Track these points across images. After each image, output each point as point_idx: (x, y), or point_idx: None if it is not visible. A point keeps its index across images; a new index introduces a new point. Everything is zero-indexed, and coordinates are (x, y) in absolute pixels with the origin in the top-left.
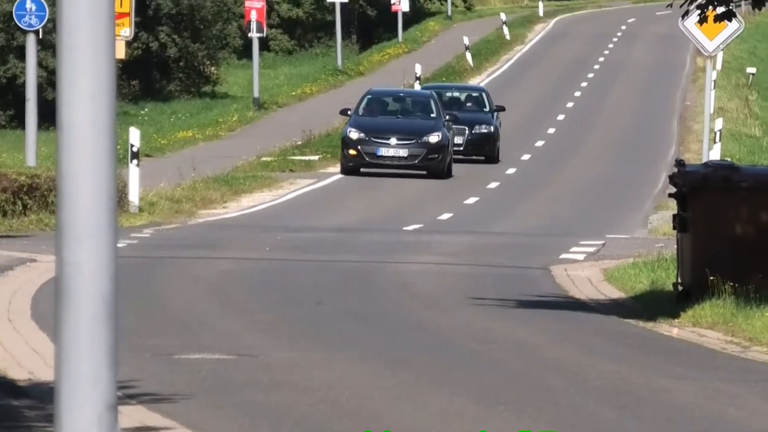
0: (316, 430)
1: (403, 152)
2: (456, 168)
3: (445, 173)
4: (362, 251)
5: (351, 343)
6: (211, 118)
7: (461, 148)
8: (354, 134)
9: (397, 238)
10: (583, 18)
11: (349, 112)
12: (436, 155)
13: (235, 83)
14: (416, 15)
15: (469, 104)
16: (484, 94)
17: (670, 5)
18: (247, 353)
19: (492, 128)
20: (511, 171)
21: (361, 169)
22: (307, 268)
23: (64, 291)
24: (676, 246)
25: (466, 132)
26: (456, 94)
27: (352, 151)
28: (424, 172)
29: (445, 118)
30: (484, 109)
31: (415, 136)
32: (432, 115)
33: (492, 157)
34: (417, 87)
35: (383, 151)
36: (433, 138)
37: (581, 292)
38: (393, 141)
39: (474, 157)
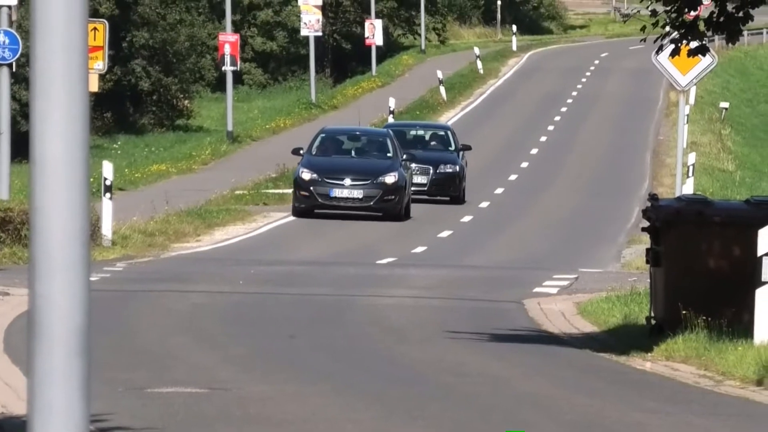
0: None
1: (357, 193)
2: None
3: (402, 215)
4: (335, 284)
5: (324, 376)
6: (185, 151)
7: (425, 188)
8: (306, 175)
9: (371, 271)
10: (557, 52)
11: (301, 152)
12: (393, 196)
13: (209, 117)
14: (390, 49)
15: (433, 143)
16: (449, 133)
17: (644, 40)
18: (220, 387)
19: (457, 168)
20: (484, 204)
21: (315, 211)
22: (280, 301)
23: (36, 324)
24: (649, 280)
25: (431, 171)
26: (420, 132)
27: (304, 193)
28: (380, 214)
29: (402, 157)
30: (450, 148)
31: (370, 177)
32: (388, 155)
33: (457, 198)
34: (390, 121)
35: (337, 192)
36: (389, 178)
37: (554, 325)
38: (347, 182)
39: (439, 198)
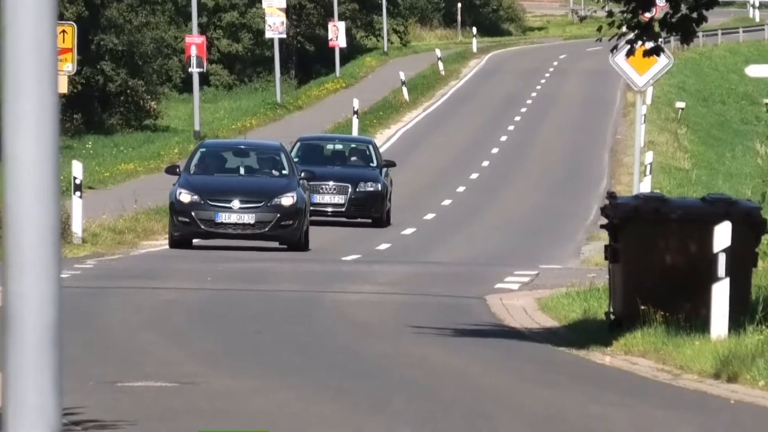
0: None
1: (249, 218)
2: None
3: (302, 243)
4: (302, 281)
5: (290, 371)
6: (153, 150)
7: (343, 209)
8: (185, 196)
9: (337, 267)
10: (516, 54)
11: (178, 170)
12: (291, 221)
13: (177, 117)
14: (353, 51)
15: (353, 158)
16: (371, 147)
17: (599, 40)
18: (189, 381)
19: (380, 186)
20: (446, 202)
21: (194, 241)
22: (247, 297)
23: (9, 320)
24: (607, 276)
25: (350, 190)
26: (339, 146)
27: (183, 218)
28: (275, 243)
29: (299, 175)
30: (371, 164)
31: (263, 198)
32: (284, 172)
33: (379, 220)
34: (355, 121)
35: (224, 217)
36: (287, 200)
37: (516, 320)
38: (236, 204)
39: (359, 220)
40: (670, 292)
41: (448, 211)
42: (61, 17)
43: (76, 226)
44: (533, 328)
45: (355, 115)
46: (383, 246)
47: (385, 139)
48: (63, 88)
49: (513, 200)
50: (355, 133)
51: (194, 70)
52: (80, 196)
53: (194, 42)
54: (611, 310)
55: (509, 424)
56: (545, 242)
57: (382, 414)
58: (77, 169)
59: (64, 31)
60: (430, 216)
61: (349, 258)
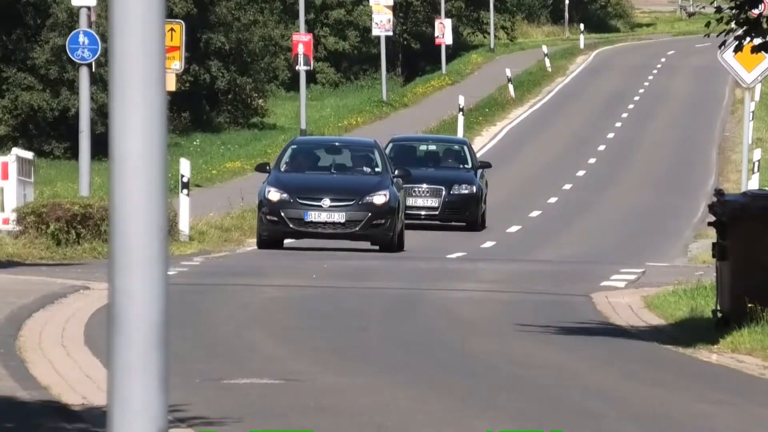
0: None
1: (339, 216)
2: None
3: (395, 245)
4: (406, 278)
5: (396, 368)
6: (260, 148)
7: (436, 213)
8: (274, 195)
9: (441, 265)
10: (624, 50)
11: (268, 168)
12: (383, 221)
13: (283, 115)
14: (459, 47)
15: (448, 160)
16: (465, 148)
17: (708, 35)
18: (294, 378)
19: (474, 188)
20: (552, 200)
21: (285, 241)
22: (352, 294)
23: (116, 318)
24: (715, 274)
25: (443, 193)
26: (432, 147)
27: (272, 217)
28: (367, 242)
29: (393, 173)
30: (466, 166)
31: (354, 196)
32: (377, 170)
33: (474, 223)
34: (460, 118)
35: (313, 216)
36: (379, 198)
37: (622, 318)
38: (326, 202)
39: (453, 223)
40: None
41: (553, 208)
42: (169, 15)
43: (184, 224)
44: (639, 326)
45: (461, 113)
46: (488, 244)
47: (491, 136)
48: (171, 86)
49: (619, 198)
50: (460, 130)
51: (301, 68)
52: (188, 194)
53: (301, 40)
54: (718, 307)
55: (616, 423)
56: (652, 240)
57: (488, 412)
58: (185, 166)
59: (172, 30)
60: (535, 213)
61: (453, 256)
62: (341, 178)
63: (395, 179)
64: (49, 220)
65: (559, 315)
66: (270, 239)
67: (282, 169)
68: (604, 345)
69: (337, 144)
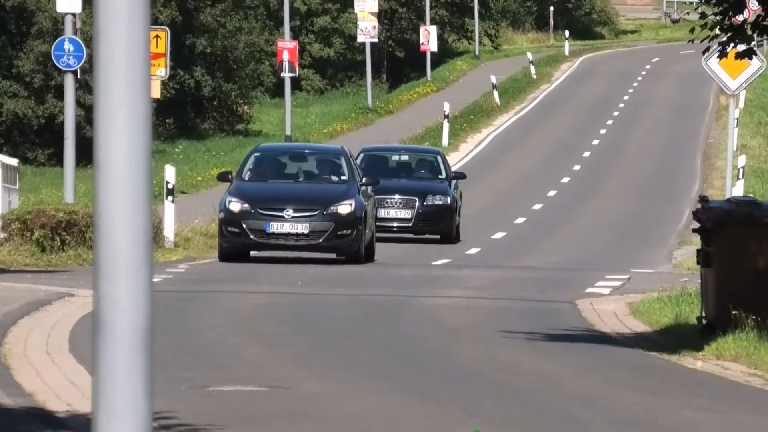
0: None
1: (302, 227)
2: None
3: (361, 256)
4: (392, 285)
5: (381, 375)
6: (245, 155)
7: (410, 225)
8: (235, 205)
9: (426, 272)
10: (609, 57)
11: (230, 177)
12: (348, 231)
13: (268, 121)
14: (444, 54)
15: (421, 170)
16: (439, 158)
17: (692, 42)
18: (280, 385)
19: (449, 199)
20: (537, 207)
21: (251, 253)
22: (338, 301)
23: (101, 325)
24: (700, 280)
25: (417, 204)
26: (405, 157)
27: (233, 229)
28: (332, 254)
29: (361, 180)
30: (440, 177)
31: (318, 206)
32: (343, 178)
33: (448, 236)
34: (446, 125)
35: (275, 227)
36: (344, 208)
37: (607, 325)
38: (289, 213)
39: (427, 236)
40: (762, 296)
41: (538, 215)
42: (155, 22)
43: (168, 231)
44: (624, 332)
45: (446, 119)
46: (473, 250)
47: (476, 143)
48: (156, 93)
49: (604, 204)
50: (445, 137)
51: (286, 74)
52: (172, 201)
53: (286, 47)
54: (703, 314)
55: (600, 429)
56: (637, 246)
57: (474, 418)
58: (170, 173)
59: (157, 36)
60: (520, 220)
61: (439, 262)
62: (305, 186)
63: (363, 187)
64: (33, 227)
65: (544, 322)
66: (232, 252)
67: (245, 178)
68: (589, 352)
69: (301, 151)
